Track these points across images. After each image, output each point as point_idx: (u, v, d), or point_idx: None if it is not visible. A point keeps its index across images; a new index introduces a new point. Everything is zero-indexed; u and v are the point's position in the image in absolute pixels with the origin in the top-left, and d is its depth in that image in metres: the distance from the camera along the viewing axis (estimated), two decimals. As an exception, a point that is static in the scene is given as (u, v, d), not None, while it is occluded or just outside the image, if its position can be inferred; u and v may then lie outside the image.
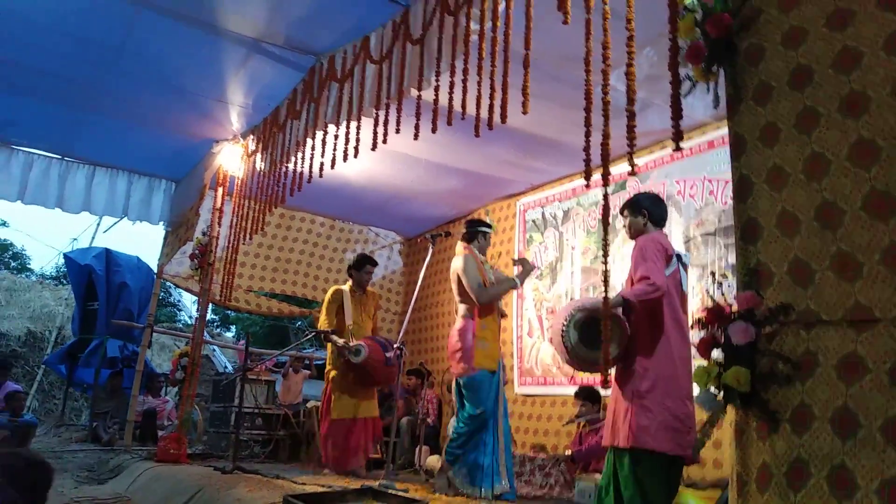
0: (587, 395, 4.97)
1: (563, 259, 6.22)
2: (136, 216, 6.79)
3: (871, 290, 1.51)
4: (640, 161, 5.52)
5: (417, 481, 4.97)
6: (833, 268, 1.60)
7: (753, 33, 1.90)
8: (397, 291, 8.45)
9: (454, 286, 4.40)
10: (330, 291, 5.41)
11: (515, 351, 6.40)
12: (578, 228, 6.09)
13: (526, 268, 4.39)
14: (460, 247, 4.49)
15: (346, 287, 5.40)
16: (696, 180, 5.04)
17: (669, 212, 5.18)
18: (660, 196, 3.59)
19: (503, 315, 4.56)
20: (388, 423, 6.36)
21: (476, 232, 4.53)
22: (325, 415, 5.15)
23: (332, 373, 5.16)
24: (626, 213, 3.45)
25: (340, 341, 5.05)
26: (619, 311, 3.16)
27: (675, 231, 5.09)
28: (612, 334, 3.09)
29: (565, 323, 3.21)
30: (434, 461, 5.60)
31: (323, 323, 5.21)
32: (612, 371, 3.29)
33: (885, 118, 1.54)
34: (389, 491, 3.26)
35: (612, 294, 2.87)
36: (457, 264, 4.36)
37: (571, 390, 5.36)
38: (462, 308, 4.36)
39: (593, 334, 3.11)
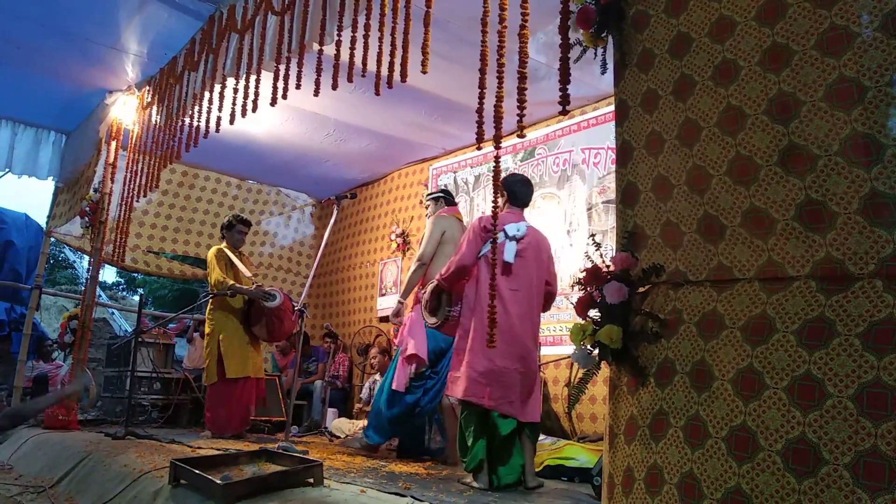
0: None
1: (474, 224, 6.28)
2: (22, 170, 6.28)
3: (732, 252, 1.59)
4: (549, 129, 5.61)
5: (321, 444, 4.96)
6: (700, 230, 1.67)
7: (640, 0, 1.93)
8: (309, 255, 8.30)
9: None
10: (213, 251, 5.25)
11: (424, 314, 6.45)
12: (489, 194, 6.14)
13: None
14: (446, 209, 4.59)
15: (224, 245, 5.31)
16: (601, 149, 5.17)
17: (574, 179, 5.32)
18: (528, 179, 3.89)
19: None
20: (305, 383, 6.32)
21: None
22: (215, 376, 4.99)
23: (221, 335, 5.01)
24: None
25: (253, 287, 5.00)
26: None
27: (579, 198, 5.23)
28: (441, 302, 3.93)
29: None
30: (341, 423, 5.61)
31: (220, 277, 5.01)
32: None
33: (753, 86, 1.61)
34: (285, 452, 3.23)
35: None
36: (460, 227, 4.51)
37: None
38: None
39: (439, 302, 3.92)
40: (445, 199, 4.68)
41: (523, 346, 3.40)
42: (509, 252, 3.49)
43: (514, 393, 3.34)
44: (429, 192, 4.81)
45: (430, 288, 3.89)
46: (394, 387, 4.16)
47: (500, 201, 3.65)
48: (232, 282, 5.02)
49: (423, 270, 4.32)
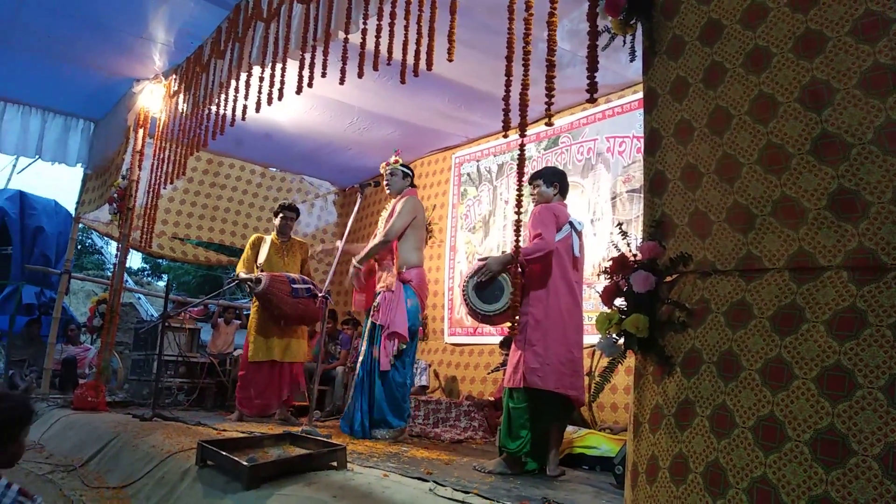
0: (511, 345, 5.09)
1: (496, 213, 6.27)
2: (52, 157, 6.42)
3: (762, 241, 1.58)
4: (573, 117, 5.57)
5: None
6: (729, 219, 1.65)
7: (671, -14, 1.91)
8: (332, 242, 8.36)
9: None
10: (250, 238, 5.40)
11: (446, 302, 6.48)
12: (512, 183, 6.13)
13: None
14: (411, 190, 4.67)
15: (271, 235, 5.36)
16: (626, 138, 5.13)
17: (599, 168, 5.29)
18: (564, 172, 3.97)
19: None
20: (327, 369, 6.38)
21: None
22: (243, 357, 5.15)
23: (252, 319, 5.13)
24: (538, 182, 3.76)
25: (244, 275, 5.05)
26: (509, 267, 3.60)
27: (603, 187, 5.20)
28: (504, 286, 3.57)
29: (466, 279, 3.70)
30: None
31: (239, 268, 5.21)
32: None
33: (785, 73, 1.58)
34: (309, 436, 3.28)
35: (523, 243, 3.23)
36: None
37: (498, 340, 5.49)
38: None
39: (489, 291, 3.61)
40: (412, 177, 4.71)
41: (583, 335, 3.60)
42: (577, 245, 3.61)
43: (583, 380, 3.51)
44: (401, 163, 4.68)
45: (492, 266, 3.59)
46: (382, 368, 4.24)
47: (552, 191, 3.73)
48: (239, 270, 5.17)
49: (387, 247, 4.39)
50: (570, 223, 3.61)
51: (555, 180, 3.73)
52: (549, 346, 3.39)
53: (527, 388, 3.39)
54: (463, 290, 3.69)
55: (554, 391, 3.36)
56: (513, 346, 3.59)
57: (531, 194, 3.81)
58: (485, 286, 3.62)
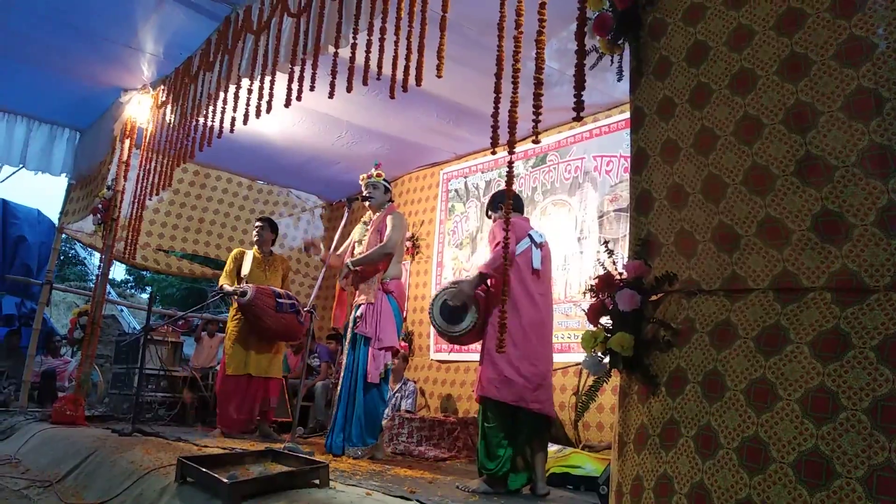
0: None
1: (484, 229, 6.27)
2: (36, 166, 6.35)
3: (747, 261, 1.59)
4: (561, 136, 5.60)
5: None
6: (714, 239, 1.66)
7: (658, 8, 1.93)
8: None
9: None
10: (233, 252, 5.43)
11: (432, 318, 6.44)
12: (499, 199, 6.14)
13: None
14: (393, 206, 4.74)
15: (253, 249, 5.38)
16: (613, 157, 5.16)
17: (586, 187, 5.32)
18: (516, 193, 4.05)
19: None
20: (310, 385, 6.32)
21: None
22: (220, 371, 5.12)
23: (229, 333, 5.09)
24: (489, 213, 3.90)
25: (229, 287, 5.06)
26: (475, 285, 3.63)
27: (590, 206, 5.22)
28: (469, 306, 3.58)
29: (432, 301, 3.75)
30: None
31: (222, 280, 5.23)
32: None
33: (770, 95, 1.60)
34: (292, 453, 3.23)
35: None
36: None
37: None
38: None
39: (452, 310, 3.62)
40: (391, 191, 4.76)
41: (551, 348, 3.58)
42: (536, 258, 3.58)
43: (550, 393, 3.48)
44: (384, 177, 4.67)
45: (464, 288, 3.57)
46: (370, 380, 4.19)
47: (494, 217, 3.77)
48: (222, 283, 5.18)
49: (386, 258, 4.39)
50: (529, 236, 3.62)
51: (500, 203, 3.72)
52: (509, 360, 3.36)
53: (497, 404, 3.37)
54: (429, 312, 3.71)
55: (512, 405, 3.33)
56: (479, 361, 3.61)
57: (492, 219, 3.90)
58: (449, 306, 3.63)
